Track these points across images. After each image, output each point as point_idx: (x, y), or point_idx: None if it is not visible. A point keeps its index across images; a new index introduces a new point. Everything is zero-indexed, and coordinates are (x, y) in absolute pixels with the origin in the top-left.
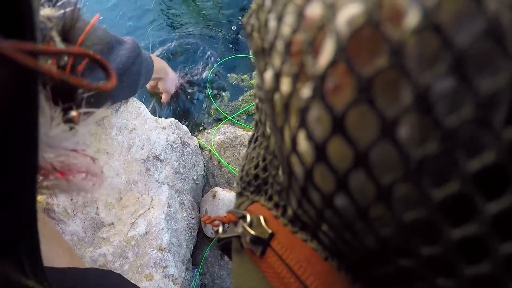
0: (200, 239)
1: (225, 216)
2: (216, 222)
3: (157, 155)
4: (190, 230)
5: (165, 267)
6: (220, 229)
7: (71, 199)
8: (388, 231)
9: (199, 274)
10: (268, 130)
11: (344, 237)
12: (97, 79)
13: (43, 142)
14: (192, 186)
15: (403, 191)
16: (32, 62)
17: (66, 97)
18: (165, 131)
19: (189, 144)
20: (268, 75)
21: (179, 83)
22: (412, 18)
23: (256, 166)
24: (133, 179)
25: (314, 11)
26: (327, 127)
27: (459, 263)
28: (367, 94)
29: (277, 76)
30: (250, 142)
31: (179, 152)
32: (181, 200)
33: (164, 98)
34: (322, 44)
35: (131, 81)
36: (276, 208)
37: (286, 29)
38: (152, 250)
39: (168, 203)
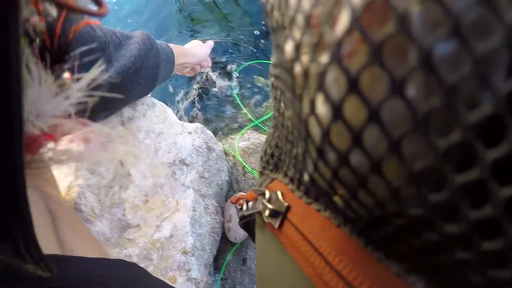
0: (223, 244)
1: (248, 194)
2: (241, 201)
3: (183, 159)
4: (213, 235)
5: (189, 270)
6: (244, 207)
7: (99, 200)
8: (399, 182)
9: (221, 279)
10: (282, 106)
11: (358, 196)
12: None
13: (32, 106)
14: (216, 191)
15: (412, 142)
16: None
17: (56, 58)
18: (191, 136)
19: (214, 149)
20: (289, 47)
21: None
22: None
23: (272, 145)
24: (159, 183)
25: None
26: (343, 88)
27: (463, 208)
28: (378, 57)
29: (298, 47)
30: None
31: (205, 157)
32: (206, 204)
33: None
34: (338, 15)
35: (148, 75)
36: (292, 182)
37: (306, 4)
38: (176, 253)
39: (193, 207)
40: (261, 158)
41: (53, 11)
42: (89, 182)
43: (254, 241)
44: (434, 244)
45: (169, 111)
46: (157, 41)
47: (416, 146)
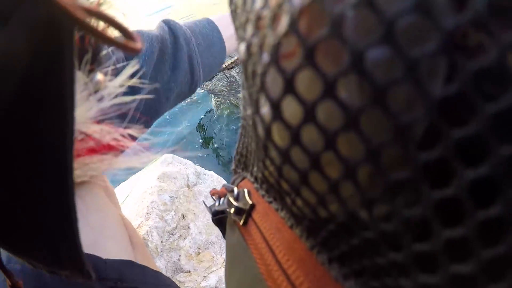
0: None
1: (220, 190)
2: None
3: None
4: None
5: None
6: (217, 203)
7: (161, 241)
8: (337, 177)
9: None
10: (247, 112)
11: (301, 193)
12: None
13: None
14: None
15: (346, 140)
16: (90, 23)
17: (89, 59)
18: None
19: None
20: (242, 47)
21: None
22: None
23: (241, 144)
24: (211, 240)
25: None
26: (280, 88)
27: (460, 167)
28: (311, 59)
29: (248, 47)
30: None
31: None
32: None
33: None
34: (279, 18)
35: (182, 83)
36: (256, 181)
37: (257, 5)
38: None
39: None
40: (234, 156)
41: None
42: (157, 225)
43: (224, 236)
44: (369, 245)
45: (224, 182)
46: (189, 22)
47: (350, 144)
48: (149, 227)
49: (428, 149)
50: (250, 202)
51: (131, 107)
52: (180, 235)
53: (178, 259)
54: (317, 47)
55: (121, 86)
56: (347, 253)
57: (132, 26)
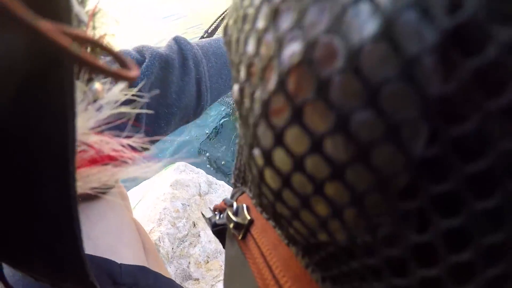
0: None
1: (219, 204)
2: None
3: None
4: None
5: None
6: (217, 217)
7: (172, 248)
8: (325, 216)
9: None
10: (242, 142)
11: (293, 225)
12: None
13: None
14: None
15: (332, 188)
16: (73, 49)
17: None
18: None
19: None
20: (235, 87)
21: None
22: (339, 60)
23: (239, 160)
24: (220, 249)
25: (268, 40)
26: (270, 141)
27: (436, 218)
28: (299, 118)
29: (241, 91)
30: None
31: None
32: None
33: None
34: (270, 73)
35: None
36: (254, 197)
37: (249, 50)
38: None
39: None
40: (233, 171)
41: (84, 17)
42: (168, 231)
43: (224, 247)
44: (355, 272)
45: None
46: (202, 41)
47: (336, 191)
48: (161, 233)
49: (407, 199)
50: (248, 217)
51: (130, 117)
52: (191, 243)
53: (188, 267)
54: (304, 107)
55: (119, 95)
56: (338, 275)
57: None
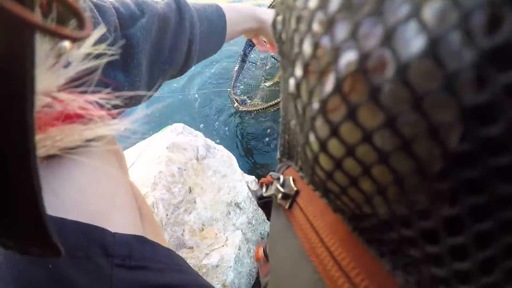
0: None
1: (267, 178)
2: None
3: (238, 203)
4: (249, 277)
5: None
6: (264, 189)
7: (166, 215)
8: (370, 190)
9: None
10: (290, 112)
11: (342, 199)
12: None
13: None
14: (258, 239)
15: (379, 172)
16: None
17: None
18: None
19: None
20: (292, 82)
21: None
22: (389, 71)
23: (284, 137)
24: (215, 217)
25: (325, 46)
26: (326, 133)
27: (483, 156)
28: (353, 116)
29: (298, 86)
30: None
31: (255, 206)
32: (249, 248)
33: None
34: (327, 76)
35: (173, 57)
36: (301, 170)
37: (306, 51)
38: (217, 284)
39: (240, 246)
40: (279, 146)
41: None
42: (163, 197)
43: (269, 219)
44: (398, 239)
45: (234, 159)
46: (199, 5)
47: (381, 173)
48: (155, 199)
49: (441, 181)
50: (295, 188)
51: (98, 74)
52: (186, 209)
53: (182, 234)
54: (358, 108)
55: (88, 52)
56: (381, 240)
57: None
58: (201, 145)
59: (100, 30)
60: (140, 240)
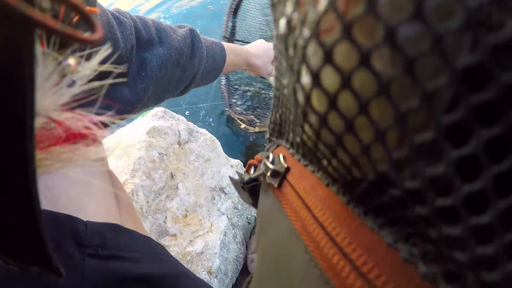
0: (241, 277)
1: (255, 158)
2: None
3: (222, 188)
4: (237, 263)
5: None
6: (252, 170)
7: (147, 202)
8: (368, 139)
9: None
10: (281, 75)
11: (337, 154)
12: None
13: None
14: (244, 224)
15: (379, 106)
16: (29, 10)
17: (62, 42)
18: (232, 169)
19: None
20: (282, 21)
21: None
22: None
23: (275, 113)
24: (199, 203)
25: None
26: (320, 59)
27: (420, 165)
28: (348, 33)
29: (289, 22)
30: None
31: None
32: (235, 233)
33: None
34: None
35: (176, 86)
36: (292, 146)
37: None
38: (202, 271)
39: (225, 231)
40: (268, 125)
41: None
42: (143, 183)
43: (256, 206)
44: (398, 200)
45: (218, 143)
46: (208, 41)
47: (381, 109)
48: (135, 186)
49: (451, 112)
50: (285, 165)
51: (101, 94)
52: (168, 196)
53: (164, 221)
54: (354, 23)
55: (93, 70)
56: (381, 206)
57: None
58: (183, 129)
59: (106, 50)
60: (115, 229)
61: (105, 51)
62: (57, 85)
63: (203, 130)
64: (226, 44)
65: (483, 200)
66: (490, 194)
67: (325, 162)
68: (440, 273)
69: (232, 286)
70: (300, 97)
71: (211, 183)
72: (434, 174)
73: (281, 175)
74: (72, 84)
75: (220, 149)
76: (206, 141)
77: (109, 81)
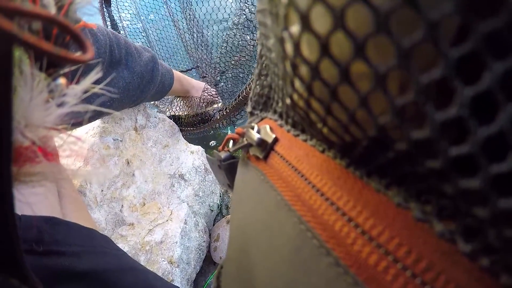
0: (206, 266)
1: (236, 131)
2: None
3: (182, 174)
4: (199, 252)
5: (172, 280)
6: (231, 144)
7: (102, 190)
8: (366, 87)
9: None
10: (266, 38)
11: (333, 111)
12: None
13: (21, 112)
14: (207, 211)
15: (375, 45)
16: (14, 29)
17: (52, 62)
18: (192, 155)
19: (211, 172)
20: None
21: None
22: None
23: (260, 85)
24: (158, 190)
25: None
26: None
27: (430, 111)
28: None
29: None
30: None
31: (201, 177)
32: (196, 221)
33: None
34: None
35: (142, 93)
36: (281, 117)
37: None
38: (163, 261)
39: (186, 220)
40: (250, 98)
41: (51, 8)
42: (97, 171)
43: (232, 187)
44: (405, 155)
45: (177, 128)
46: (163, 65)
47: (380, 49)
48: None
49: (459, 43)
50: (273, 135)
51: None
52: (124, 184)
53: (120, 210)
54: None
55: (84, 92)
56: (386, 164)
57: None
58: (140, 114)
59: (97, 73)
60: (52, 222)
61: (96, 73)
62: (46, 104)
63: (161, 115)
64: (176, 73)
65: (503, 145)
66: (510, 137)
67: (319, 125)
68: (458, 231)
69: (196, 274)
70: (289, 47)
71: (170, 170)
72: (446, 118)
73: (268, 146)
74: (62, 104)
75: (179, 134)
76: (165, 126)
77: (98, 107)
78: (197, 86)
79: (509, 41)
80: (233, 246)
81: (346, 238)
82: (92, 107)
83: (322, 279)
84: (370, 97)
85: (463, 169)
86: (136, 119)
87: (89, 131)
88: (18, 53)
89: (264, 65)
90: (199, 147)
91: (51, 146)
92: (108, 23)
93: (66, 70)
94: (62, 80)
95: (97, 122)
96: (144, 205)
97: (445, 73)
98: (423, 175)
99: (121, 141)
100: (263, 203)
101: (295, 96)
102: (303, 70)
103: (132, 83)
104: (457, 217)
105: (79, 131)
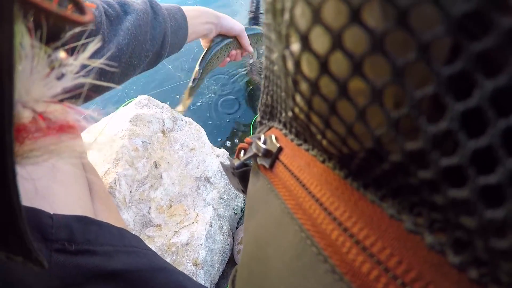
0: (228, 269)
1: (245, 141)
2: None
3: (208, 177)
4: (223, 255)
5: None
6: (242, 154)
7: (130, 192)
8: (364, 101)
9: None
10: (270, 51)
11: (331, 124)
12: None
13: (22, 85)
14: (231, 214)
15: (373, 63)
16: None
17: (51, 35)
18: (218, 158)
19: None
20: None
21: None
22: None
23: (266, 94)
24: (184, 193)
25: None
26: (308, 20)
27: (423, 123)
28: None
29: None
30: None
31: (226, 181)
32: (221, 224)
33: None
34: None
35: (153, 46)
36: (285, 127)
37: None
38: (188, 262)
39: (211, 222)
40: (259, 108)
41: None
42: (126, 173)
43: (245, 192)
44: (399, 167)
45: (203, 132)
46: (166, 5)
47: (376, 67)
48: (117, 175)
49: (450, 62)
50: (278, 145)
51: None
52: (152, 185)
53: (148, 212)
54: None
55: (84, 64)
56: (381, 176)
57: None
58: (167, 117)
59: (96, 44)
60: (84, 221)
61: (95, 45)
62: (47, 77)
63: (188, 119)
64: (184, 7)
65: (491, 158)
66: (498, 151)
67: (319, 137)
68: (448, 243)
69: (219, 277)
70: (290, 64)
71: (196, 173)
72: (437, 131)
73: (273, 155)
74: (61, 77)
75: (205, 137)
76: (191, 129)
77: (100, 82)
78: (226, 16)
79: (498, 60)
80: (246, 251)
81: (342, 247)
82: (89, 81)
83: (320, 285)
84: (367, 111)
85: (453, 180)
86: (164, 122)
87: (118, 133)
88: (19, 26)
89: (268, 77)
90: (224, 150)
91: (62, 118)
92: None
93: (66, 46)
94: (61, 55)
95: (126, 125)
96: (170, 207)
97: (437, 89)
98: (416, 187)
99: (149, 143)
100: (271, 211)
101: (296, 110)
102: (303, 86)
103: (140, 19)
104: (447, 229)
105: (109, 133)
